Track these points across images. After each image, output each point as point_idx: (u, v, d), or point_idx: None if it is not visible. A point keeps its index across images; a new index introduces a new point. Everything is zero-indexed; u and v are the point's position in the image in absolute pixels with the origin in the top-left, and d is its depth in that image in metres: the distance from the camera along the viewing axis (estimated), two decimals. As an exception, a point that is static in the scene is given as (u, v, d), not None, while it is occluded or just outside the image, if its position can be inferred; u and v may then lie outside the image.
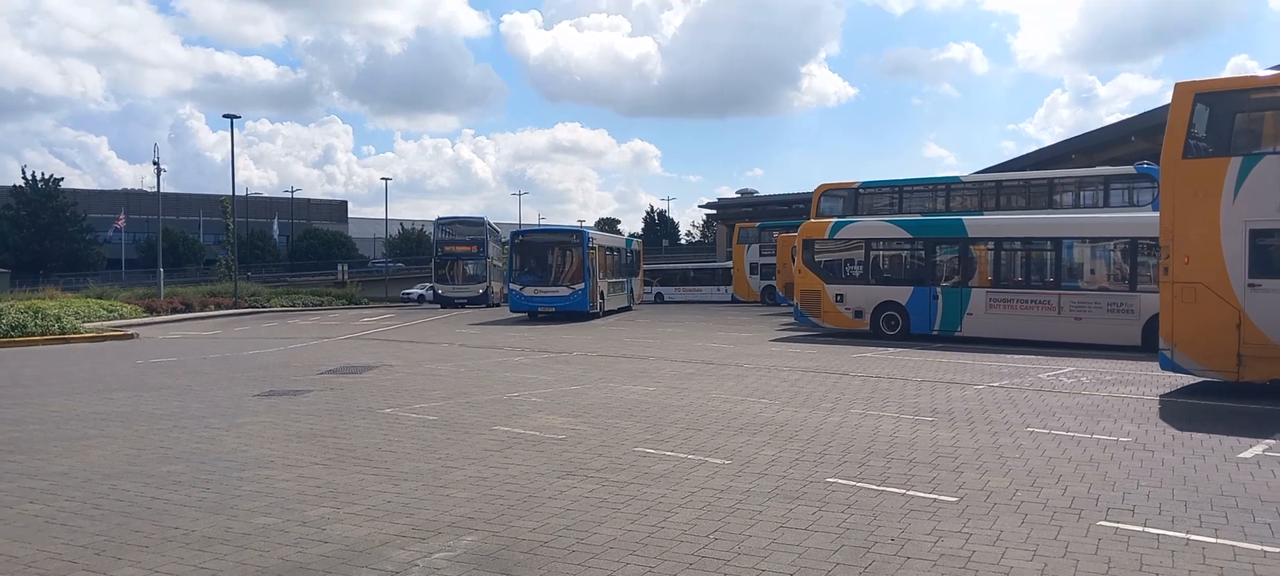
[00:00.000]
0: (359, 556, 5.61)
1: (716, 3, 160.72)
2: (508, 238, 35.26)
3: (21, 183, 75.40)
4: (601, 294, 32.50)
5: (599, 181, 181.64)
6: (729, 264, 53.33)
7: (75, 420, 10.82)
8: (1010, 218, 23.73)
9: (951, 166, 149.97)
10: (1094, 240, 20.30)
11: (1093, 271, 20.28)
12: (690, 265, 56.27)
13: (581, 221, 56.65)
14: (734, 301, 47.37)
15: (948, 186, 29.29)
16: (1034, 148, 66.22)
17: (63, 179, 77.62)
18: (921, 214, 26.84)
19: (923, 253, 22.16)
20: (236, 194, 52.21)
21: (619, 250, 37.74)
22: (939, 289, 21.41)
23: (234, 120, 48.83)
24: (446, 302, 42.73)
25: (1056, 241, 20.50)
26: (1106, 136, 39.08)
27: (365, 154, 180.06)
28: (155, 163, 50.29)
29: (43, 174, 76.21)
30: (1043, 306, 20.01)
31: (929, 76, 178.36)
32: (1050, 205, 26.35)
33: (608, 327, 27.53)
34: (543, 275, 31.28)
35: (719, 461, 8.19)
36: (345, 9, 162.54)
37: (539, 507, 6.69)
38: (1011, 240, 21.44)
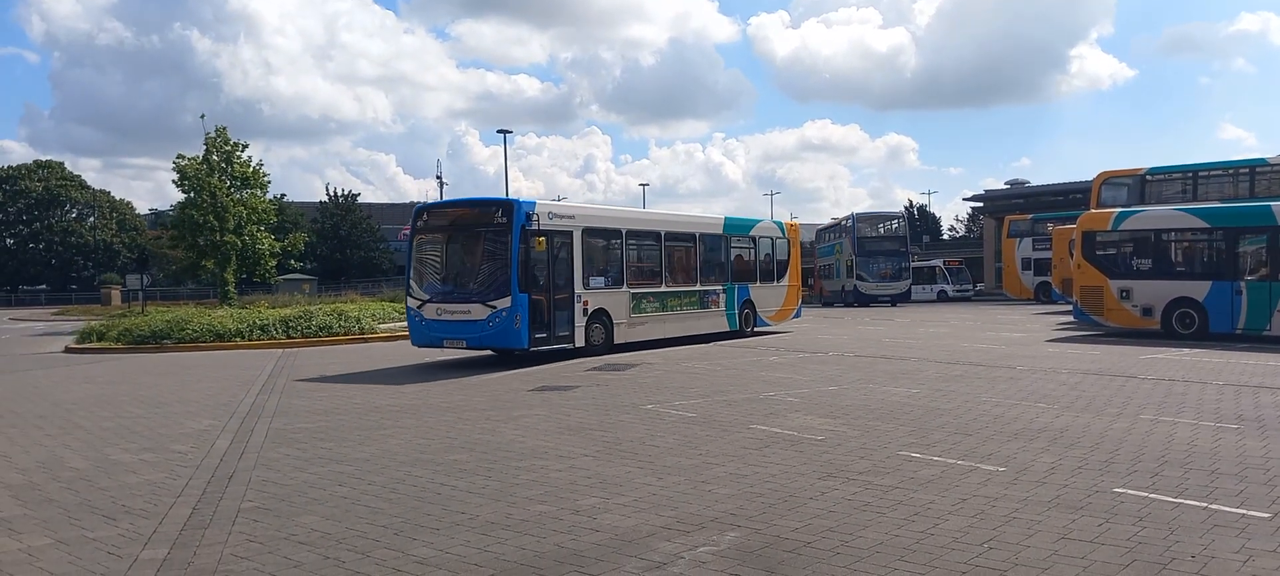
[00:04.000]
0: (628, 546, 5.80)
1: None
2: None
3: (325, 199, 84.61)
4: (587, 312, 18.49)
5: (851, 178, 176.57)
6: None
7: (373, 411, 11.93)
8: None
9: (1252, 149, 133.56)
10: None
11: None
12: None
13: (834, 220, 53.80)
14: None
15: (1251, 170, 26.43)
16: (1359, 123, 58.16)
17: (359, 194, 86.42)
18: (1219, 201, 24.34)
19: (1223, 244, 20.05)
20: (509, 203, 55.36)
21: (698, 237, 22.50)
22: (1243, 283, 19.30)
23: (506, 135, 52.14)
24: (868, 299, 44.26)
25: None
26: None
27: (622, 162, 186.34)
28: (438, 177, 54.81)
29: (342, 190, 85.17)
30: (1375, 302, 17.58)
31: (1217, 52, 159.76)
32: None
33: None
34: (458, 283, 18.12)
35: (991, 468, 7.78)
36: (603, 26, 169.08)
37: (800, 507, 6.63)
38: None
